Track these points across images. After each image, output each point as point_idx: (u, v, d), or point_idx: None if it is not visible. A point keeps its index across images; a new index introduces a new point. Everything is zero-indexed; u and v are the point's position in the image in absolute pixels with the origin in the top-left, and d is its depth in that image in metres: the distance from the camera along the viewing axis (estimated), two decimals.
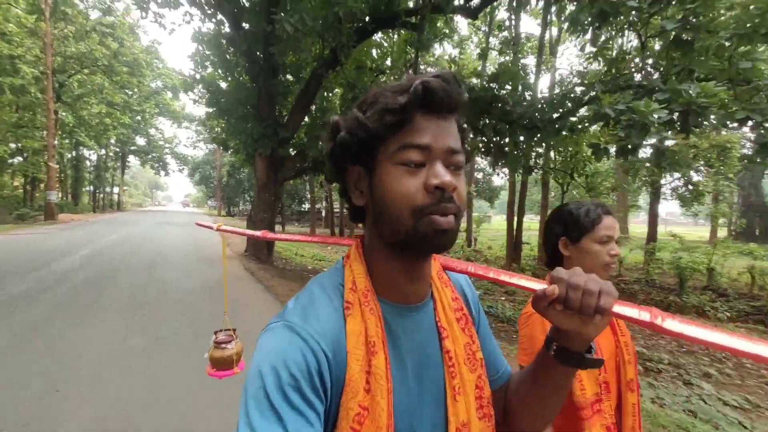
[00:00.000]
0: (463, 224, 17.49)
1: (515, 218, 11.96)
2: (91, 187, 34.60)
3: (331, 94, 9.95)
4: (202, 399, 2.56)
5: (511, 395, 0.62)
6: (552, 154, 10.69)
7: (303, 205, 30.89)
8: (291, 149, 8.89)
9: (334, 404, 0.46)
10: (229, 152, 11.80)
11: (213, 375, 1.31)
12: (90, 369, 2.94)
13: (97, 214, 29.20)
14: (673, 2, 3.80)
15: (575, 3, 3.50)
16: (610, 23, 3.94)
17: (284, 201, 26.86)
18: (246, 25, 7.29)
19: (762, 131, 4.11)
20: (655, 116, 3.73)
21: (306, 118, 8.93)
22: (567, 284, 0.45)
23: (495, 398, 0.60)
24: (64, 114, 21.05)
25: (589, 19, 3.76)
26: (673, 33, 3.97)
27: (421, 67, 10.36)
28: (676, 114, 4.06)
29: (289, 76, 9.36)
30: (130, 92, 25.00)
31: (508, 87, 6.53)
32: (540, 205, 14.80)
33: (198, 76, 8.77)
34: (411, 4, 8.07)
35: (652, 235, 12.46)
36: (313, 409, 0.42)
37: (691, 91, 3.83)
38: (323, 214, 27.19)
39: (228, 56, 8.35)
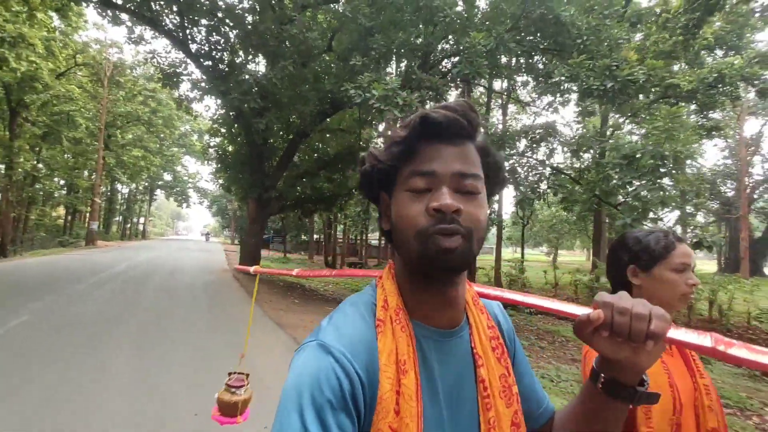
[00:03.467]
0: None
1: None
2: (121, 218, 39.31)
3: (307, 154, 13.57)
4: (195, 326, 5.74)
5: None
6: None
7: (309, 236, 34.46)
8: (275, 193, 12.33)
9: (367, 425, 0.45)
10: (232, 194, 15.49)
11: (216, 419, 1.28)
12: (140, 313, 6.16)
13: (125, 241, 33.38)
14: None
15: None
16: None
17: (289, 232, 30.43)
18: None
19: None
20: None
21: (286, 172, 12.44)
22: (613, 308, 0.42)
23: None
24: (107, 159, 25.63)
25: None
26: None
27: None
28: None
29: (279, 141, 13.02)
30: (163, 137, 29.81)
31: None
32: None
33: (213, 143, 12.55)
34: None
35: (594, 263, 15.09)
36: (344, 431, 0.41)
37: None
38: (324, 244, 30.49)
39: (233, 129, 12.09)
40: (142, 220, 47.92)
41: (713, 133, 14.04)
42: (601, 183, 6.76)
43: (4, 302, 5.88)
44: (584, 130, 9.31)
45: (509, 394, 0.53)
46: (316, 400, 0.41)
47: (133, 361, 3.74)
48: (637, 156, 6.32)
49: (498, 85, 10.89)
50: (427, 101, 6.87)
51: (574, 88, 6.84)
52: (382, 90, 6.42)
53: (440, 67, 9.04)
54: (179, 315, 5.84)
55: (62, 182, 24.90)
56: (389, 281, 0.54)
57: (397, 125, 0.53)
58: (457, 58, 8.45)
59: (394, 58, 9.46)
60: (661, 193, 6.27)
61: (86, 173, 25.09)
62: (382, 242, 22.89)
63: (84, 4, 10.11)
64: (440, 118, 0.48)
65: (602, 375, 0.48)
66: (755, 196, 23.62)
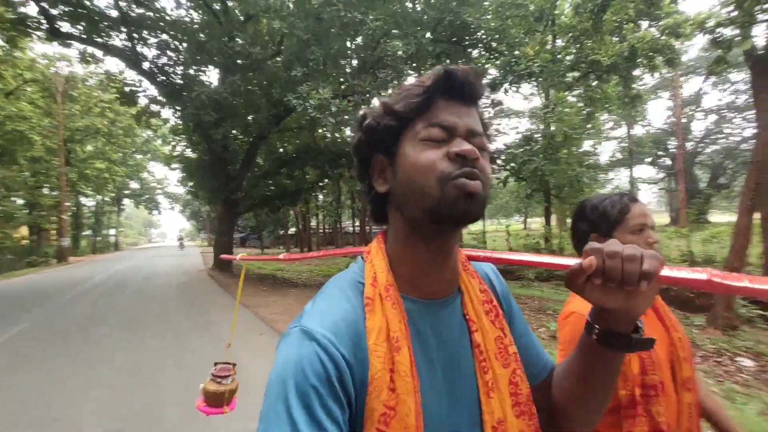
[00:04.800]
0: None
1: None
2: (90, 231, 38.58)
3: (269, 154, 14.40)
4: (170, 314, 6.74)
5: (555, 390, 0.59)
6: None
7: (284, 230, 35.25)
8: (241, 194, 13.16)
9: (360, 407, 0.44)
10: (200, 199, 16.19)
11: (201, 410, 1.26)
12: (122, 311, 7.11)
13: (98, 255, 33.09)
14: None
15: None
16: None
17: (266, 227, 31.07)
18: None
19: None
20: None
21: (249, 173, 13.26)
22: (604, 253, 0.42)
23: (538, 394, 0.57)
24: (69, 174, 25.33)
25: None
26: None
27: None
28: None
29: (240, 143, 13.77)
30: (125, 149, 29.50)
31: None
32: None
33: (176, 153, 13.20)
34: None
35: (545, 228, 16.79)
36: (333, 419, 0.41)
37: None
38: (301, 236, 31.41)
39: (194, 138, 12.77)
40: (112, 231, 47.03)
41: (636, 101, 15.73)
42: (512, 161, 8.09)
43: (4, 314, 6.77)
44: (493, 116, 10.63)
45: (505, 355, 0.53)
46: (300, 388, 0.41)
47: (118, 346, 4.80)
48: (534, 137, 7.66)
49: None
50: (361, 105, 7.93)
51: None
52: (317, 100, 7.43)
53: (376, 71, 10.05)
54: (156, 308, 6.86)
55: (21, 202, 24.53)
56: (379, 257, 0.53)
57: (412, 81, 0.52)
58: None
59: (343, 63, 10.40)
60: (555, 166, 7.68)
61: (47, 190, 24.75)
62: (357, 228, 23.95)
63: (33, 37, 10.44)
64: (461, 75, 0.49)
65: (596, 327, 0.48)
66: (698, 150, 25.66)
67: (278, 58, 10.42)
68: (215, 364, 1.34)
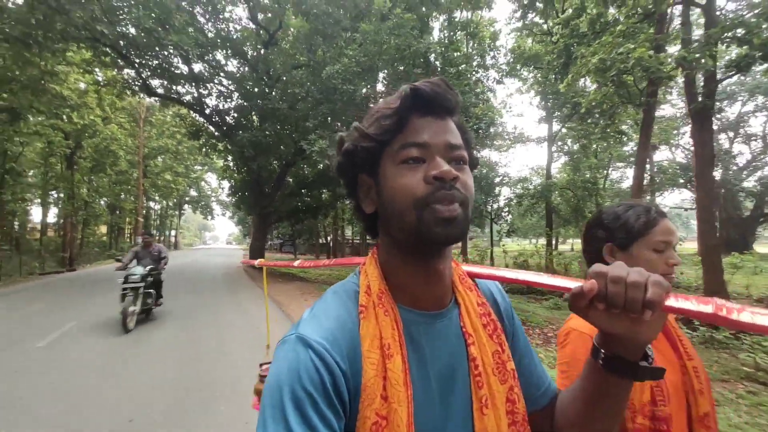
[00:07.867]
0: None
1: None
2: (156, 232, 45.09)
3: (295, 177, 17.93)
4: (215, 290, 10.13)
5: (558, 417, 0.58)
6: None
7: (316, 240, 39.14)
8: (272, 208, 16.65)
9: (354, 415, 0.45)
10: (241, 211, 20.14)
11: (257, 408, 1.25)
12: (186, 285, 10.60)
13: None
14: None
15: None
16: None
17: (301, 236, 34.94)
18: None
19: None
20: None
21: (279, 192, 16.79)
22: (607, 277, 0.41)
23: (541, 420, 0.58)
24: (144, 184, 31.05)
25: None
26: None
27: None
28: None
29: (273, 168, 17.42)
30: (187, 163, 35.14)
31: None
32: None
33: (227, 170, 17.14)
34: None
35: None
36: (328, 425, 0.41)
37: None
38: (332, 245, 34.98)
39: (239, 163, 16.56)
40: (173, 232, 53.99)
41: (623, 135, 17.40)
42: None
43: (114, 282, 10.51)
44: None
45: (503, 370, 0.53)
46: (296, 395, 0.41)
47: (184, 299, 8.12)
48: (478, 176, 10.17)
49: None
50: None
51: None
52: (319, 147, 10.55)
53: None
54: (206, 284, 10.24)
55: (102, 203, 30.49)
56: (372, 267, 0.54)
57: (381, 102, 0.53)
58: None
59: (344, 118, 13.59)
60: (492, 199, 10.15)
61: (123, 196, 30.51)
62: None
63: (136, 96, 14.77)
64: (429, 90, 0.49)
65: (602, 351, 0.47)
66: (744, 176, 24.49)
67: (299, 109, 13.83)
68: (260, 365, 1.42)
